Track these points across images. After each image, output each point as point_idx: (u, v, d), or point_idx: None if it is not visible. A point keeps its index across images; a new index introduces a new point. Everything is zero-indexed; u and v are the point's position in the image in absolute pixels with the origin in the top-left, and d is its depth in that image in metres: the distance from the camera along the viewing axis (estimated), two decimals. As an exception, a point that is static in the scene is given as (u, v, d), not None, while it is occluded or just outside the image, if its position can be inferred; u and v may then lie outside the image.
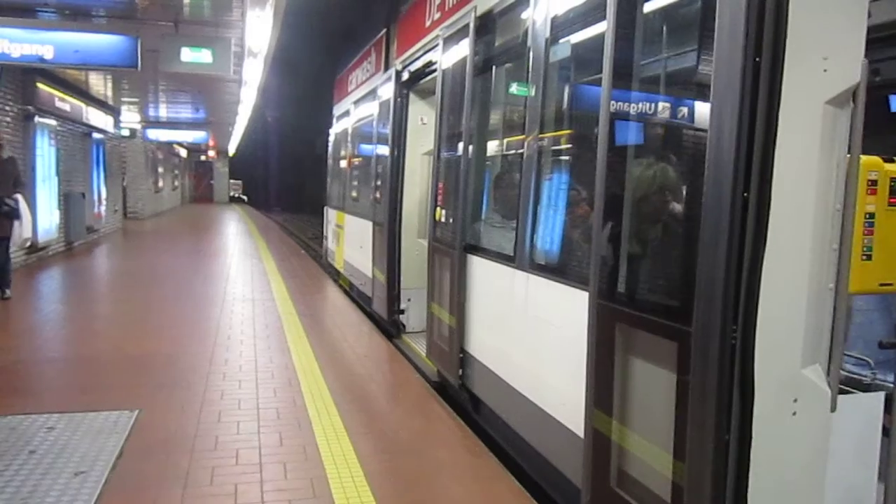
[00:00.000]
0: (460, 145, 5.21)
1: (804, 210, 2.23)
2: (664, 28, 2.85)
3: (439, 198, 5.84)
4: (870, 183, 2.25)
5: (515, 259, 4.16)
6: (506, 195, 4.89)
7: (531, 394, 3.99)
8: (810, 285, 2.24)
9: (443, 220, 5.72)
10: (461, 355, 5.06)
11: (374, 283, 8.05)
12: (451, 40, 5.52)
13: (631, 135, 2.93)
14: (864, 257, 2.27)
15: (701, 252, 2.32)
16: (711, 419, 2.27)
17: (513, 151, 4.93)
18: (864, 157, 2.25)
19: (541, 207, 3.99)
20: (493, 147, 5.29)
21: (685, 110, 2.68)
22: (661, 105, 2.76)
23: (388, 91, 7.81)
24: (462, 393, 5.12)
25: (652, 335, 2.70)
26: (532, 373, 4.03)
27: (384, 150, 7.92)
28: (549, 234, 3.98)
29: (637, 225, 2.89)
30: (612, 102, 2.90)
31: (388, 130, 7.64)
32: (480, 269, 4.85)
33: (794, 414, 2.25)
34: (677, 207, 2.70)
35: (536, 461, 3.98)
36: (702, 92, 2.50)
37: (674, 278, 2.67)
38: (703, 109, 2.48)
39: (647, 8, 2.88)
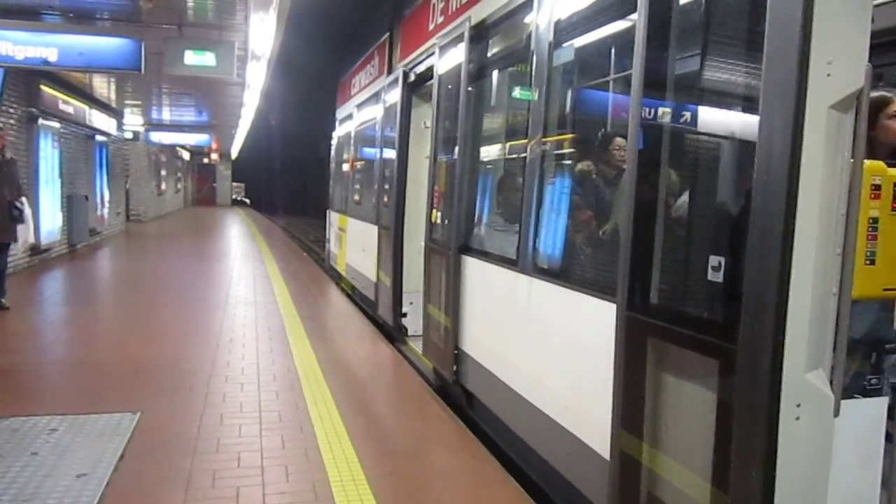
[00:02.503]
0: (455, 149, 5.36)
1: (810, 215, 2.23)
2: (700, 31, 2.75)
3: (435, 200, 6.02)
4: (873, 188, 2.25)
5: (518, 262, 4.17)
6: (500, 198, 5.09)
7: (521, 389, 4.16)
8: (814, 290, 2.23)
9: (438, 222, 5.90)
10: (455, 352, 5.21)
11: (379, 288, 8.03)
12: (446, 48, 5.70)
13: (663, 141, 2.83)
14: (868, 262, 2.26)
15: (748, 263, 2.20)
16: (760, 445, 2.15)
17: (507, 156, 5.18)
18: (867, 162, 2.25)
19: (535, 210, 4.02)
20: (487, 152, 5.49)
21: (722, 115, 2.63)
22: (696, 111, 2.70)
23: (390, 95, 7.83)
24: (455, 388, 5.30)
25: (689, 352, 2.54)
26: (525, 371, 4.14)
27: (388, 153, 7.95)
28: (544, 236, 4.02)
29: (672, 234, 2.75)
30: (644, 108, 2.79)
31: (392, 134, 7.65)
32: (477, 271, 4.95)
33: (798, 419, 2.24)
34: (719, 214, 2.59)
35: (527, 454, 4.13)
36: (738, 98, 2.48)
37: (715, 290, 2.48)
38: (740, 115, 2.46)
39: (680, 10, 2.77)
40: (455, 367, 5.21)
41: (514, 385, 4.27)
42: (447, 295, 5.37)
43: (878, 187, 2.26)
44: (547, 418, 3.76)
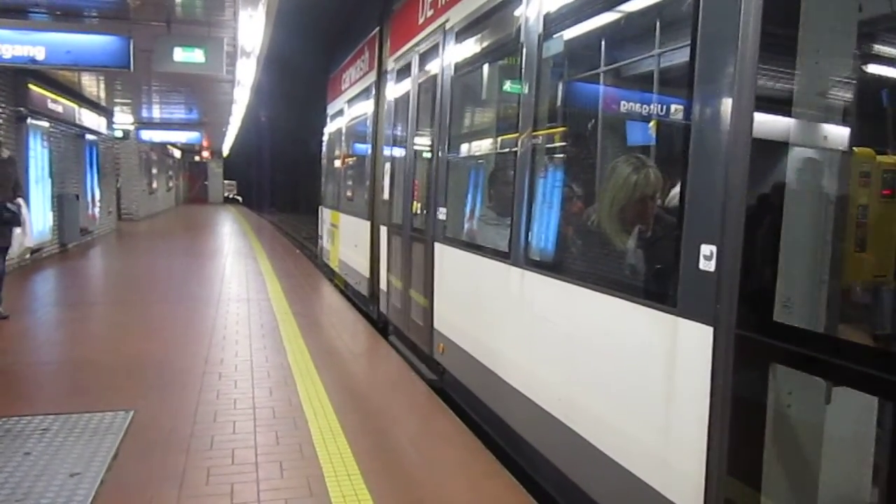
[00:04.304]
0: (432, 147, 5.81)
1: (802, 202, 2.23)
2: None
3: (415, 193, 6.39)
4: (862, 175, 2.25)
5: (511, 255, 4.20)
6: (482, 191, 5.28)
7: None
8: (805, 277, 2.23)
9: (418, 212, 6.30)
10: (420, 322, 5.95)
11: (389, 293, 7.50)
12: (425, 55, 6.11)
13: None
14: (858, 249, 2.26)
15: None
16: None
17: (486, 152, 5.44)
18: (856, 150, 2.25)
19: (530, 205, 4.03)
20: (464, 149, 5.84)
21: None
22: None
23: (390, 86, 7.84)
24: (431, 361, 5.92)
25: (840, 388, 2.14)
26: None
27: (385, 148, 7.91)
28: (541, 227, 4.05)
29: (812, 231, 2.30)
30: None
31: (390, 129, 7.63)
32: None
33: (789, 406, 2.24)
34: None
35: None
36: None
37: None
38: None
39: None
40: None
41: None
42: (425, 279, 5.85)
43: (867, 174, 2.26)
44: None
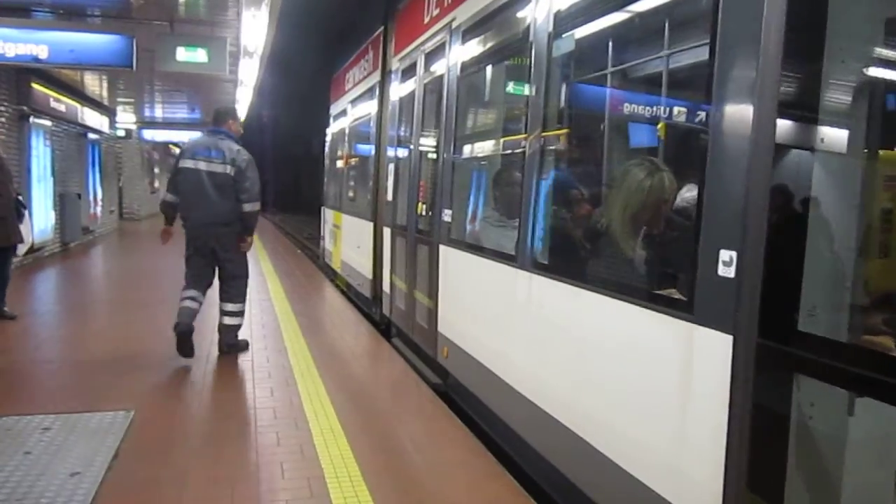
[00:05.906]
0: (437, 148, 5.80)
1: (826, 207, 2.18)
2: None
3: (420, 194, 6.32)
4: (887, 178, 2.18)
5: (518, 258, 4.17)
6: (488, 193, 5.23)
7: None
8: (830, 284, 2.17)
9: (423, 214, 6.25)
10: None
11: (394, 296, 7.34)
12: (431, 55, 6.07)
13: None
14: (881, 255, 2.20)
15: None
16: None
17: (493, 153, 5.38)
18: (881, 153, 2.20)
19: (538, 207, 3.99)
20: (470, 150, 5.80)
21: None
22: None
23: (384, 88, 7.81)
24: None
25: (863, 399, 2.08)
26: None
27: (391, 147, 7.86)
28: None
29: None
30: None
31: (394, 131, 7.59)
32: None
33: (811, 418, 2.17)
34: None
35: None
36: None
37: None
38: None
39: None
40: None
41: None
42: (430, 281, 5.84)
43: (892, 178, 2.20)
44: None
